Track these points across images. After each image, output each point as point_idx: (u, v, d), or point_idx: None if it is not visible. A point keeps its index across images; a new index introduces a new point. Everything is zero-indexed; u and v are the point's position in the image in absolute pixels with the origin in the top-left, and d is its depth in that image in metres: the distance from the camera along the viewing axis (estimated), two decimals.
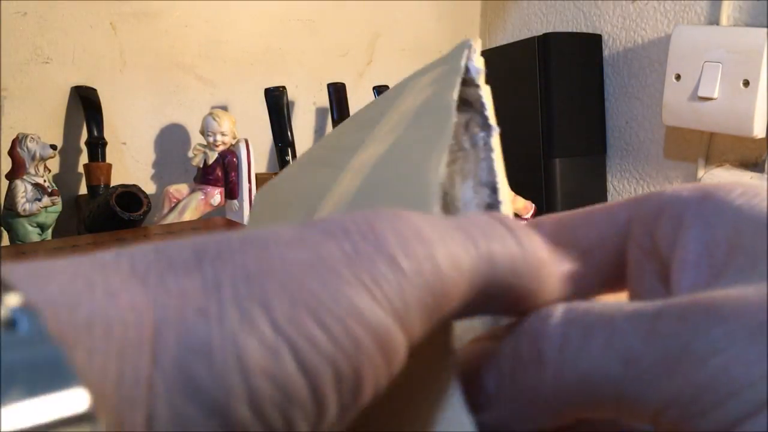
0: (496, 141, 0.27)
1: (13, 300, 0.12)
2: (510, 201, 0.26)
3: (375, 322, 0.14)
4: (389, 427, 0.18)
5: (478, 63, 0.27)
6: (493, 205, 0.25)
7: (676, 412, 0.14)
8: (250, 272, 0.14)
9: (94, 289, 0.13)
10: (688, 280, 0.18)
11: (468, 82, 0.27)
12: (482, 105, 0.27)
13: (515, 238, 0.17)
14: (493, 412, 0.17)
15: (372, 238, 0.15)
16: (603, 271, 0.21)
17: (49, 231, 0.75)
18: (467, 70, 0.27)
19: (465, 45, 0.27)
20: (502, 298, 0.17)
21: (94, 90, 0.83)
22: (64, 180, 0.83)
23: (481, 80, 0.27)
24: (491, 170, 0.26)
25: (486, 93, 0.27)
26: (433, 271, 0.15)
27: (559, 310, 0.17)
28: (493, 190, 0.26)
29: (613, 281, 0.21)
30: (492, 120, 0.27)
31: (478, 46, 0.27)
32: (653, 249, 0.19)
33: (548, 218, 0.23)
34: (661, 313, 0.15)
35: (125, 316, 0.13)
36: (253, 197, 0.82)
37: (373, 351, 0.14)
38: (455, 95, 0.24)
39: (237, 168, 0.81)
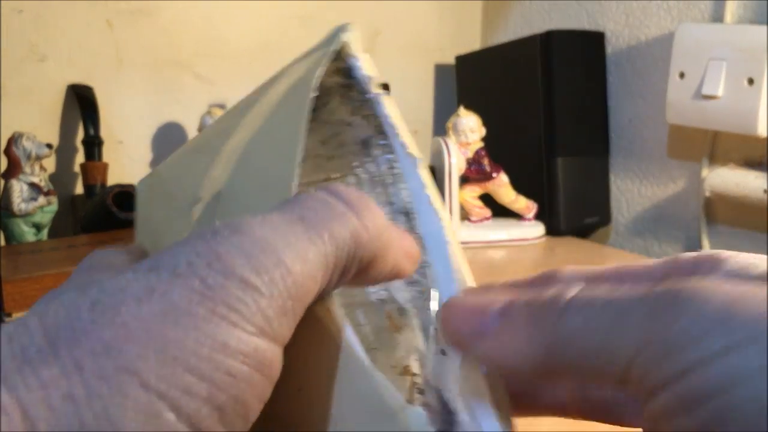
0: (412, 163, 0.26)
1: None
2: (449, 223, 0.26)
3: (243, 347, 0.15)
4: (301, 401, 0.19)
5: (367, 69, 0.26)
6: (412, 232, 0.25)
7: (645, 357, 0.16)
8: (107, 343, 0.14)
9: None
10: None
11: (357, 89, 0.26)
12: (384, 122, 0.26)
13: (354, 211, 0.18)
14: (495, 342, 0.19)
15: (219, 266, 0.15)
16: None
17: (45, 231, 0.75)
18: (355, 78, 0.26)
19: (338, 30, 0.26)
20: (354, 267, 0.18)
21: (91, 88, 0.82)
22: (60, 179, 0.82)
23: (373, 87, 0.26)
24: (400, 195, 0.26)
25: (388, 104, 0.26)
26: (286, 277, 0.16)
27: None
28: (408, 216, 0.26)
29: None
30: (400, 138, 0.26)
31: (355, 41, 0.26)
32: None
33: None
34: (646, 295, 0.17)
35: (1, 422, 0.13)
36: None
37: (250, 373, 0.15)
38: (318, 73, 0.24)
39: None
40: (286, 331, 0.16)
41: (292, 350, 0.17)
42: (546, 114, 0.89)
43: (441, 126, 1.06)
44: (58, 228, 0.77)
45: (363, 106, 0.26)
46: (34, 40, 0.80)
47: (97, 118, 0.81)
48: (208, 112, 0.80)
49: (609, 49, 0.92)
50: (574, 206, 0.90)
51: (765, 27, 0.71)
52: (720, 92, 0.73)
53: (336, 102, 0.27)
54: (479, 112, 0.88)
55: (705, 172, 0.80)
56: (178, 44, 0.88)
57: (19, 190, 0.71)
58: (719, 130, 0.76)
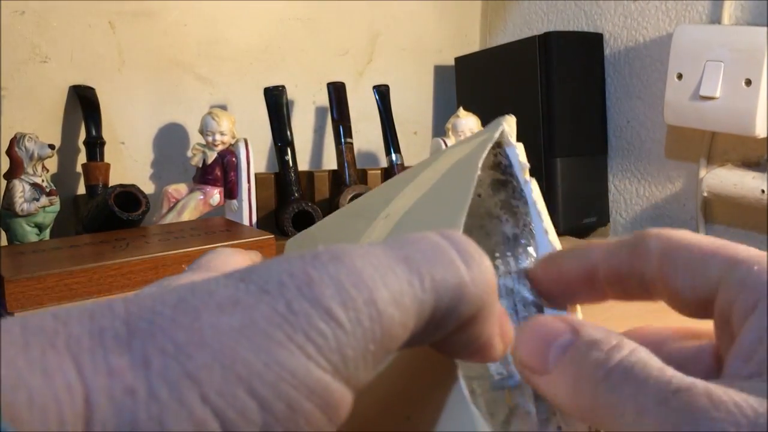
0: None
1: None
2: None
3: (310, 381, 0.14)
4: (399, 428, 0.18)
5: (522, 156, 0.28)
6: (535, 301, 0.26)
7: None
8: (180, 345, 0.14)
9: (34, 369, 0.13)
10: (734, 368, 0.19)
11: (510, 182, 0.28)
12: (531, 207, 0.28)
13: (464, 262, 0.17)
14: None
15: (307, 292, 0.15)
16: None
17: (47, 231, 0.75)
18: (510, 166, 0.28)
19: (500, 119, 0.29)
20: (452, 323, 0.17)
21: (93, 89, 0.83)
22: (62, 180, 0.83)
23: (525, 174, 0.28)
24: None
25: (537, 191, 0.28)
26: (374, 318, 0.15)
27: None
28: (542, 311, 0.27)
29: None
30: (544, 225, 0.27)
31: (512, 131, 0.29)
32: (728, 319, 0.20)
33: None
34: (679, 390, 0.17)
35: (60, 396, 0.13)
36: (252, 197, 0.82)
37: (310, 409, 0.14)
38: (483, 155, 0.25)
39: (236, 168, 0.81)
40: (363, 375, 0.15)
41: (401, 379, 0.16)
42: (545, 115, 0.89)
43: (440, 127, 1.07)
44: (60, 228, 0.77)
45: (511, 199, 0.28)
46: (36, 41, 0.80)
47: (99, 119, 0.81)
48: (210, 113, 0.80)
49: (607, 51, 0.92)
50: (572, 206, 0.91)
51: (762, 28, 0.71)
52: (718, 93, 0.73)
53: (486, 194, 0.28)
54: (478, 113, 0.88)
55: (703, 173, 0.81)
56: (179, 45, 0.89)
57: (21, 190, 0.72)
58: (717, 130, 0.77)
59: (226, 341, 0.14)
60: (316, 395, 0.14)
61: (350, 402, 0.15)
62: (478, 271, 0.17)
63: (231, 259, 0.24)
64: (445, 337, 0.17)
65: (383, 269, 0.16)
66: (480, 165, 0.24)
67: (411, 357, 0.18)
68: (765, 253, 0.21)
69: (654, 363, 0.18)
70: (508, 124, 0.29)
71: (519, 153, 0.28)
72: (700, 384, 0.17)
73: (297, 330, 0.14)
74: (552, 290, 0.26)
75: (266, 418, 0.14)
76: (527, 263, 0.27)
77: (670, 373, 0.17)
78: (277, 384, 0.14)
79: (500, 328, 0.18)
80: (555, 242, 0.28)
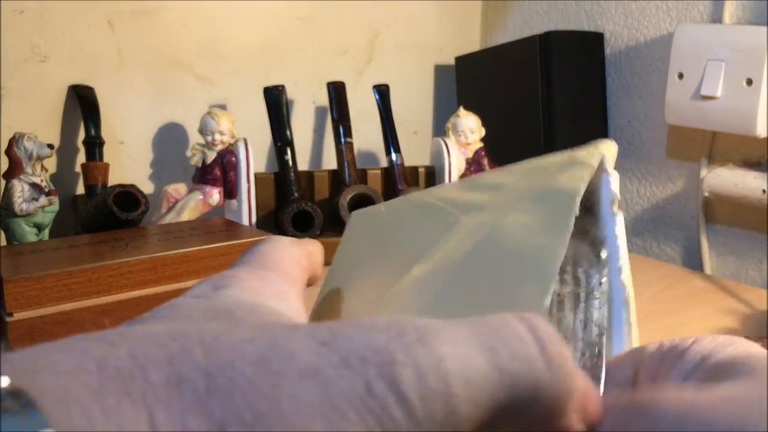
0: (620, 291, 0.26)
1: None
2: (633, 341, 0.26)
3: None
4: None
5: (615, 187, 0.26)
6: (596, 345, 0.25)
7: None
8: (258, 414, 0.14)
9: (109, 421, 0.13)
10: None
11: (589, 209, 0.26)
12: (611, 240, 0.26)
13: (545, 358, 0.16)
14: None
15: (389, 375, 0.15)
16: None
17: (46, 231, 0.75)
18: (601, 197, 0.26)
19: (598, 143, 0.27)
20: (524, 418, 0.17)
21: (92, 89, 0.82)
22: (61, 179, 0.82)
23: (614, 207, 0.26)
24: (602, 312, 0.26)
25: (620, 225, 0.26)
26: (449, 415, 0.15)
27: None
28: (600, 332, 0.25)
29: None
30: (620, 262, 0.26)
31: (611, 157, 0.26)
32: None
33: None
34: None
35: None
36: (252, 197, 0.81)
37: None
38: (582, 188, 0.24)
39: (236, 167, 0.81)
40: None
41: None
42: (545, 114, 0.89)
43: (441, 126, 1.06)
44: (59, 228, 0.77)
45: (591, 228, 0.26)
46: (35, 40, 0.80)
47: (98, 119, 0.81)
48: (209, 113, 0.80)
49: (608, 50, 0.92)
50: None
51: (763, 27, 0.71)
52: (719, 93, 0.73)
53: (570, 252, 0.27)
54: (479, 112, 0.88)
55: (704, 173, 0.80)
56: (179, 45, 0.89)
57: (20, 190, 0.71)
58: (718, 130, 0.77)
59: (303, 416, 0.14)
60: None
61: None
62: (558, 370, 0.17)
63: (287, 252, 0.24)
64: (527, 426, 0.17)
65: (465, 360, 0.15)
66: (578, 203, 0.23)
67: None
68: None
69: None
70: (608, 150, 0.26)
71: (612, 182, 0.26)
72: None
73: (371, 413, 0.14)
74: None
75: None
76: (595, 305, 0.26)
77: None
78: None
79: (582, 406, 0.18)
80: (626, 278, 0.26)
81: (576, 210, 0.23)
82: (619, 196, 0.26)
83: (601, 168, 0.26)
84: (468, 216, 0.26)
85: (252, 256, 0.24)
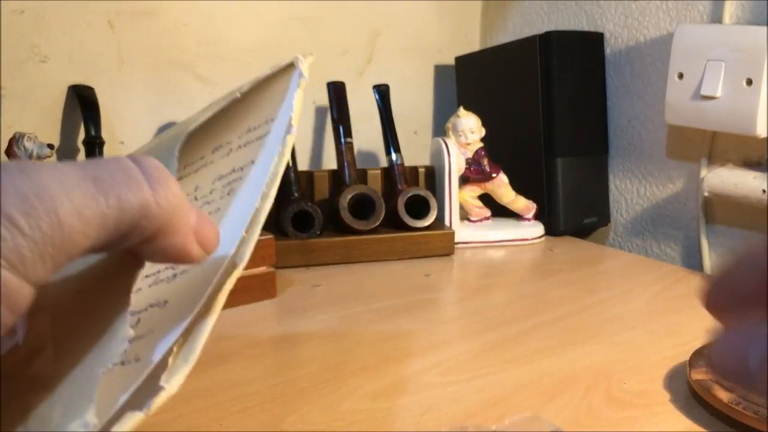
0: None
1: None
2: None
3: None
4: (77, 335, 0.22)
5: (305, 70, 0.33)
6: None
7: None
8: None
9: None
10: None
11: None
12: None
13: (149, 184, 0.20)
14: None
15: None
16: None
17: None
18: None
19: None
20: (137, 235, 0.20)
21: (92, 89, 0.82)
22: None
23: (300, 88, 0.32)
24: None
25: (297, 97, 0.32)
26: (55, 227, 0.17)
27: None
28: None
29: None
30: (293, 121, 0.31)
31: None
32: None
33: None
34: None
35: None
36: None
37: None
38: (247, 86, 0.32)
39: None
40: (41, 273, 0.18)
41: (92, 278, 0.20)
42: (545, 114, 0.89)
43: (441, 126, 1.07)
44: None
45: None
46: (35, 40, 0.80)
47: (98, 119, 0.81)
48: None
49: (608, 50, 0.92)
50: (573, 206, 0.90)
51: (763, 28, 0.71)
52: (719, 93, 0.73)
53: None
54: (479, 112, 0.88)
55: (704, 173, 0.80)
56: (179, 45, 0.89)
57: None
58: (718, 130, 0.77)
59: None
60: None
61: (29, 294, 0.18)
62: (163, 193, 0.20)
63: None
64: (139, 245, 0.21)
65: (70, 185, 0.18)
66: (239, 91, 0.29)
67: (98, 265, 0.22)
68: None
69: None
70: (304, 59, 0.32)
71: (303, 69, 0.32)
72: None
73: None
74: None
75: None
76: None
77: None
78: None
79: (197, 235, 0.22)
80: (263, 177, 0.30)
81: (236, 94, 0.30)
82: (307, 78, 0.32)
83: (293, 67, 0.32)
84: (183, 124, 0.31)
85: None
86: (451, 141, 0.87)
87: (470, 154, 0.87)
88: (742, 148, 0.78)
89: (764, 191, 0.73)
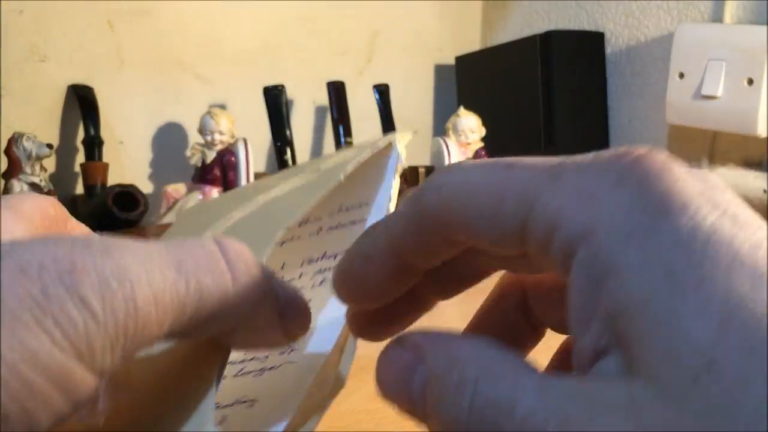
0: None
1: None
2: None
3: (51, 363, 0.15)
4: (147, 418, 0.20)
5: (400, 148, 0.30)
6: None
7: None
8: None
9: None
10: (577, 351, 0.16)
11: None
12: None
13: (232, 273, 0.18)
14: None
15: (67, 279, 0.15)
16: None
17: None
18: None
19: (388, 138, 0.31)
20: (216, 324, 0.18)
21: (91, 89, 0.82)
22: (60, 179, 0.82)
23: (397, 175, 0.30)
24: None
25: (395, 186, 0.30)
26: (131, 314, 0.16)
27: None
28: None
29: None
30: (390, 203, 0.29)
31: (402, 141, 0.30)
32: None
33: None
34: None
35: None
36: None
37: (49, 389, 0.15)
38: (350, 167, 0.27)
39: (235, 167, 0.81)
40: (109, 364, 0.16)
41: (166, 365, 0.18)
42: (546, 114, 0.89)
43: (441, 126, 1.06)
44: None
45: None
46: (35, 40, 0.80)
47: (97, 119, 0.81)
48: (209, 113, 0.80)
49: (608, 50, 0.92)
50: None
51: (764, 27, 0.71)
52: (719, 92, 0.73)
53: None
54: (479, 112, 0.88)
55: None
56: (178, 45, 0.88)
57: (19, 190, 0.71)
58: (719, 130, 0.77)
59: None
60: (55, 376, 0.15)
61: (92, 386, 0.16)
62: (245, 280, 0.18)
63: (32, 199, 0.24)
64: (226, 334, 0.19)
65: (151, 269, 0.16)
66: (339, 178, 0.26)
67: (184, 347, 0.20)
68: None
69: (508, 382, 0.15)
70: (401, 136, 0.30)
71: (399, 148, 0.30)
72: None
73: (47, 315, 0.15)
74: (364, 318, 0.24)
75: (2, 398, 0.14)
76: None
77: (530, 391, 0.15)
78: (16, 364, 0.14)
79: (284, 319, 0.20)
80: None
81: (340, 177, 0.26)
82: (403, 161, 0.30)
83: (391, 147, 0.29)
84: (263, 194, 0.29)
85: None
86: (452, 141, 0.87)
87: (470, 154, 0.87)
88: (743, 148, 0.78)
89: (765, 191, 0.73)
